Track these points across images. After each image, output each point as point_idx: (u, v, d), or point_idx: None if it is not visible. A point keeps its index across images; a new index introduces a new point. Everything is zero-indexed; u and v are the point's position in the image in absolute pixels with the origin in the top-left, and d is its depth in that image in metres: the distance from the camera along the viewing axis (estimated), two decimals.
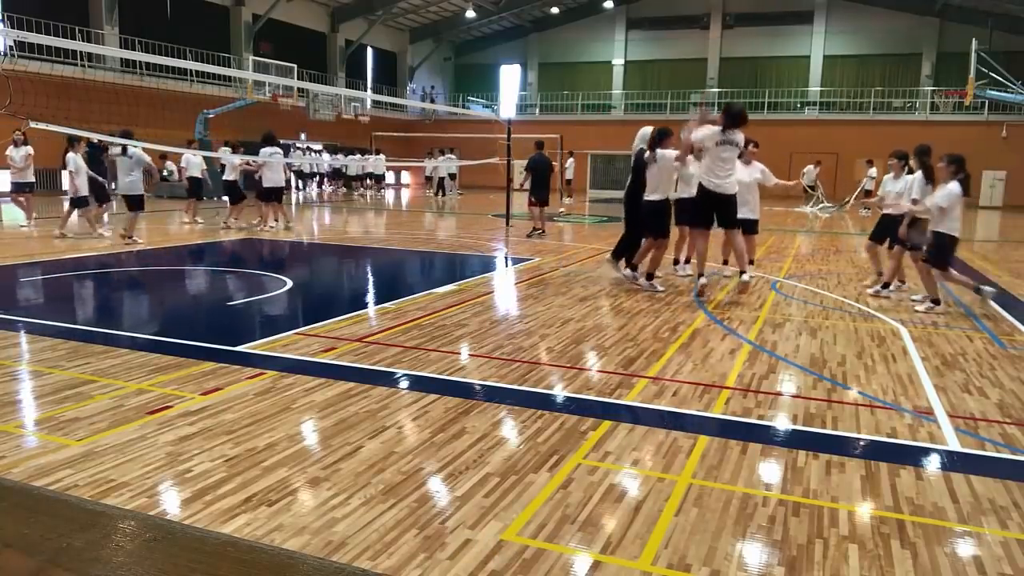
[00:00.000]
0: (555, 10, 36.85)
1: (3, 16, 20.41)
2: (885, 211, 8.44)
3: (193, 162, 15.12)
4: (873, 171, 22.25)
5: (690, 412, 4.25)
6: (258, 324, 6.62)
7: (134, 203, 11.59)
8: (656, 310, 7.15)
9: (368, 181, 29.04)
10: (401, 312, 6.84)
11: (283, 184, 14.87)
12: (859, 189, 22.50)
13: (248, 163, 14.68)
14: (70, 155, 11.73)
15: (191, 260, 10.50)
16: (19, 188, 13.61)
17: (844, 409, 4.36)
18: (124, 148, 11.48)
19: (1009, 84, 23.95)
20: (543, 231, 14.19)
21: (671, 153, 7.92)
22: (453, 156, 27.96)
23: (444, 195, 26.34)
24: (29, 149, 13.44)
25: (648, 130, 8.40)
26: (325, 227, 14.61)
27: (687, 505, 3.04)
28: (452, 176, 28.10)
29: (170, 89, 22.99)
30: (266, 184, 14.04)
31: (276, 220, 14.03)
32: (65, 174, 11.95)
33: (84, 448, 3.43)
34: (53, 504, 0.85)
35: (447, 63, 41.19)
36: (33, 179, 13.95)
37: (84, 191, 11.95)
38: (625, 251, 8.79)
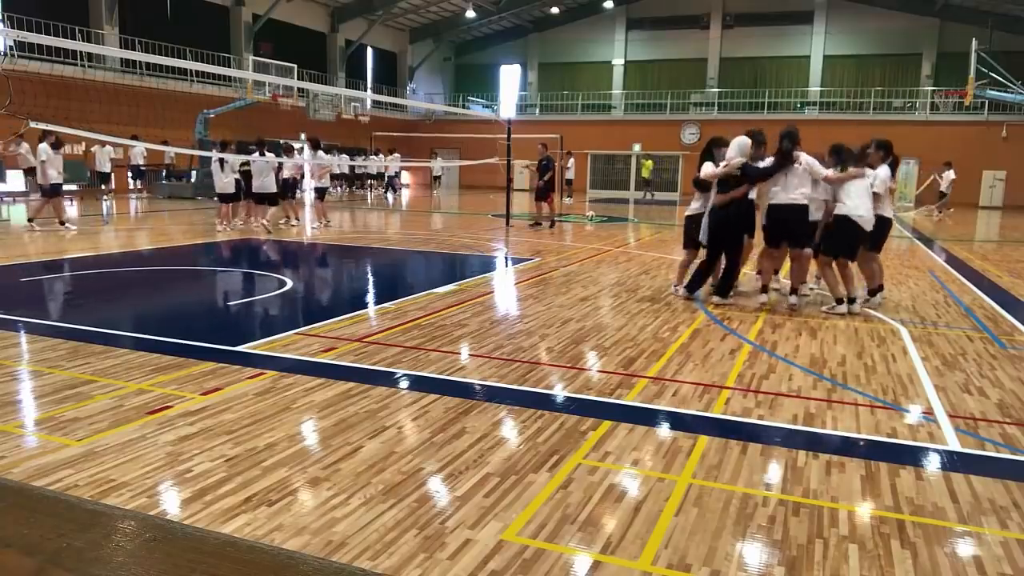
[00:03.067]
0: (555, 10, 36.81)
1: (3, 16, 20.40)
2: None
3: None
4: (950, 173, 21.90)
5: (690, 412, 4.25)
6: (258, 324, 6.63)
7: (268, 200, 13.60)
8: (656, 310, 7.15)
9: (371, 181, 29.56)
10: (401, 312, 6.84)
11: (329, 185, 16.80)
12: (941, 192, 22.25)
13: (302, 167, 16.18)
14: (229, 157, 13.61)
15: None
16: (57, 190, 13.67)
17: (844, 409, 4.36)
18: (262, 152, 13.74)
19: (1009, 84, 23.96)
20: (548, 223, 15.77)
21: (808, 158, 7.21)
22: (397, 156, 29.74)
23: (394, 193, 28.04)
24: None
25: (746, 141, 7.31)
26: (326, 227, 14.61)
27: (687, 505, 3.04)
28: (398, 174, 30.18)
29: (170, 89, 23.01)
30: (317, 184, 15.70)
31: (323, 218, 15.08)
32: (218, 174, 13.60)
33: (84, 448, 3.44)
34: (53, 504, 0.85)
35: (447, 63, 41.17)
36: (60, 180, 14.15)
37: (231, 188, 13.64)
38: (711, 274, 7.77)
